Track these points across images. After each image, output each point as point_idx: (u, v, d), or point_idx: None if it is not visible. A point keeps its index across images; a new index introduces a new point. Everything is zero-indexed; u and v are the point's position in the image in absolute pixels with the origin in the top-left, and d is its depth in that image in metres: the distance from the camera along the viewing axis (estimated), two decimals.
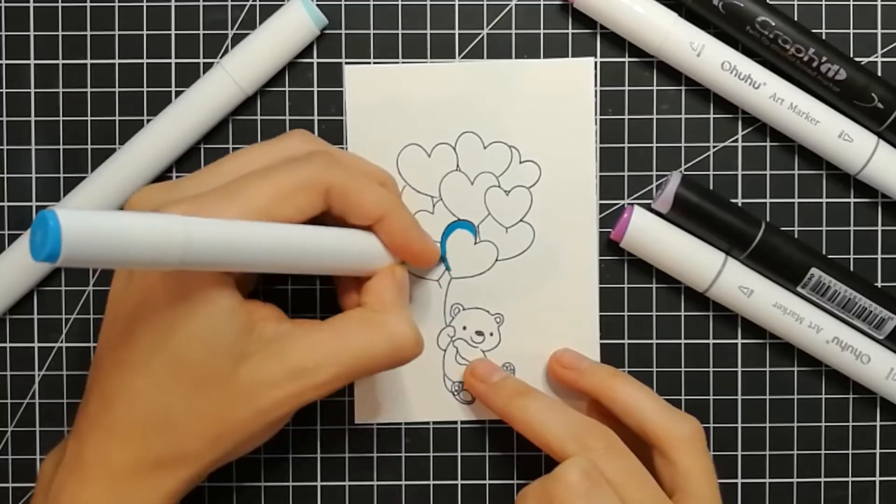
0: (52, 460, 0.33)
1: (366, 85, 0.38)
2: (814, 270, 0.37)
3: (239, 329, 0.30)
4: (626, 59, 0.39)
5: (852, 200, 0.39)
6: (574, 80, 0.38)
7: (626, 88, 0.39)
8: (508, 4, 0.39)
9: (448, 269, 0.39)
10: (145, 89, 0.38)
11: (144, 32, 0.38)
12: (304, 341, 0.31)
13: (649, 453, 0.35)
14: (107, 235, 0.24)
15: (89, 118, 0.38)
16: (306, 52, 0.38)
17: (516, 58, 0.39)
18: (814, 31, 0.38)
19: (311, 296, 0.39)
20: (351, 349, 0.32)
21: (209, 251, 0.27)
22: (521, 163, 0.39)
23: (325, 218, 0.32)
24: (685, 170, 0.39)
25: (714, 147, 0.39)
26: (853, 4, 0.39)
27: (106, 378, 0.31)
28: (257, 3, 0.38)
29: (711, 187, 0.39)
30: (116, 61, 0.38)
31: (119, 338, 0.31)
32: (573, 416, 0.34)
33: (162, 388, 0.30)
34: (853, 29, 0.39)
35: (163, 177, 0.38)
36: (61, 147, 0.38)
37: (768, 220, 0.39)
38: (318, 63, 0.39)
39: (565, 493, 0.31)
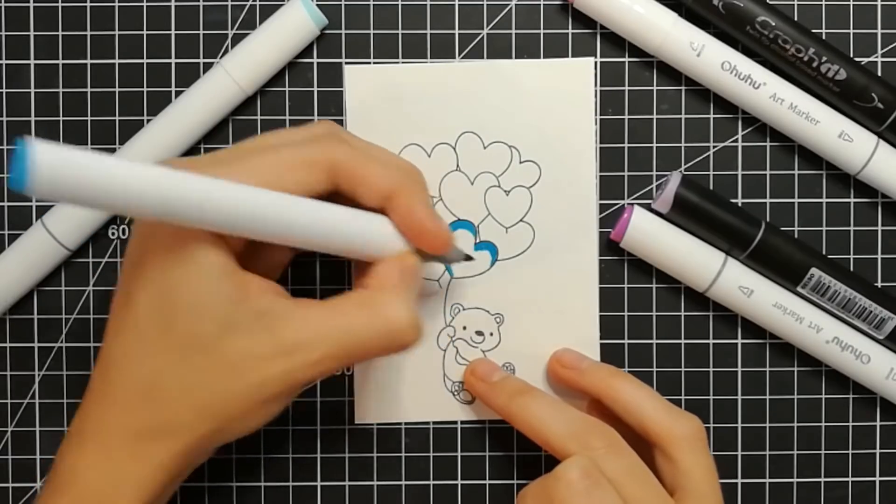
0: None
1: (366, 85, 0.38)
2: (814, 270, 0.37)
3: (228, 295, 0.29)
4: (626, 59, 0.39)
5: (852, 200, 0.39)
6: (574, 80, 0.38)
7: (626, 88, 0.39)
8: (508, 4, 0.39)
9: (450, 272, 0.39)
10: (145, 89, 0.38)
11: (144, 32, 0.38)
12: (296, 316, 0.30)
13: (651, 452, 0.35)
14: (84, 173, 0.23)
15: (89, 118, 0.38)
16: (306, 52, 0.38)
17: (516, 58, 0.39)
18: (814, 31, 0.38)
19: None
20: (343, 328, 0.30)
21: (187, 203, 0.26)
22: (521, 163, 0.39)
23: (338, 200, 0.32)
24: (685, 170, 0.39)
25: (714, 147, 0.39)
26: (853, 4, 0.39)
27: (106, 345, 0.31)
28: (257, 3, 0.38)
29: (711, 187, 0.39)
30: (116, 61, 0.38)
31: (122, 299, 0.30)
32: (574, 415, 0.34)
33: (152, 353, 0.30)
34: (853, 29, 0.39)
35: None
36: None
37: (768, 220, 0.39)
38: (318, 63, 0.39)
39: (565, 492, 0.31)
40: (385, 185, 0.32)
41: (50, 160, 0.23)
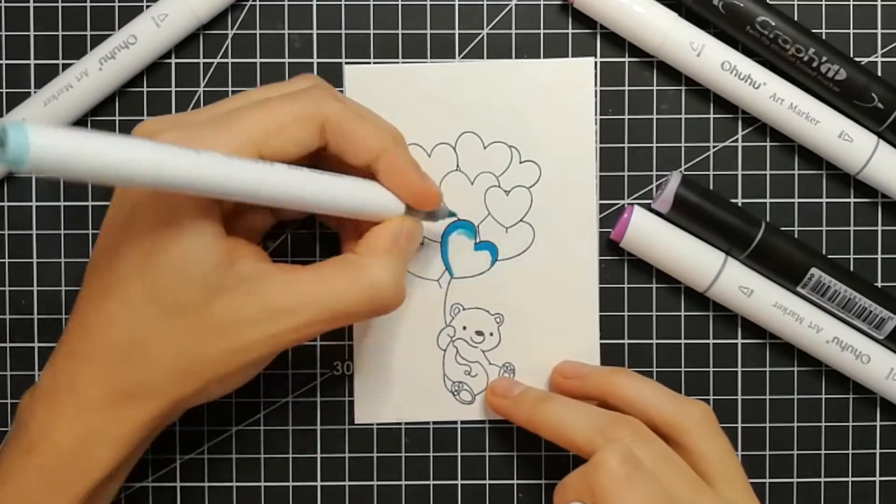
0: (30, 394, 0.32)
1: (366, 85, 0.38)
2: (814, 270, 0.37)
3: (217, 261, 0.30)
4: (626, 59, 0.39)
5: (852, 200, 0.39)
6: (574, 80, 0.39)
7: (626, 88, 0.39)
8: (508, 4, 0.39)
9: (450, 272, 0.39)
10: (145, 89, 0.38)
11: None
12: (281, 281, 0.31)
13: (667, 443, 0.34)
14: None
15: (89, 118, 0.38)
16: (306, 51, 0.38)
17: (516, 58, 0.39)
18: (814, 31, 0.38)
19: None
20: (328, 293, 0.31)
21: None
22: (521, 163, 0.39)
23: (323, 160, 0.32)
24: (685, 170, 0.39)
25: (714, 147, 0.39)
26: (853, 4, 0.39)
27: (84, 303, 0.31)
28: (257, 3, 0.38)
29: (711, 187, 0.39)
30: None
31: (103, 262, 0.31)
32: (596, 412, 0.34)
33: (135, 314, 0.30)
34: (853, 29, 0.39)
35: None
36: None
37: (768, 220, 0.39)
38: (318, 63, 0.39)
39: (607, 480, 0.30)
40: (375, 145, 0.32)
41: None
